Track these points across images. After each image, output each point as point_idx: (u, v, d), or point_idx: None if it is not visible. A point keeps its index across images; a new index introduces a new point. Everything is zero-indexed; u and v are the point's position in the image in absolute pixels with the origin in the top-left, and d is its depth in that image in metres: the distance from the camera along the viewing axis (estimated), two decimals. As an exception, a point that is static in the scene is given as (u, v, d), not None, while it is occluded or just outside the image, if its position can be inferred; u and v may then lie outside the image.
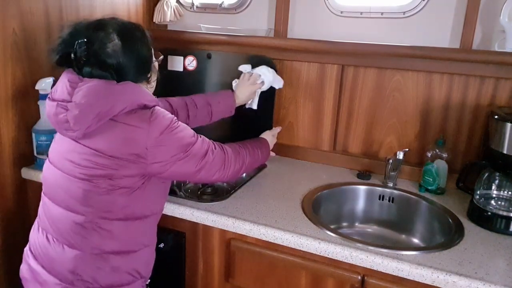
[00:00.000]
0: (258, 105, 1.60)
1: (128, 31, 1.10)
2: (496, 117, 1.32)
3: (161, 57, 1.22)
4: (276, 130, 1.59)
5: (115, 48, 1.05)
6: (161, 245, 1.36)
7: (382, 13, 1.65)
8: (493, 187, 1.36)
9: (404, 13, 1.61)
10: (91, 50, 1.04)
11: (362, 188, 1.57)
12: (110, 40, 1.05)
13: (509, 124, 1.27)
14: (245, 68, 1.58)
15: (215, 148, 1.19)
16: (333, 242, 1.16)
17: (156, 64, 1.19)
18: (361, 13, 1.68)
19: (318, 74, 1.71)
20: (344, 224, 1.56)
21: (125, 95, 1.04)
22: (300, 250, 1.19)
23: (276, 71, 1.61)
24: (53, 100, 1.06)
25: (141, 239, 1.15)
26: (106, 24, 1.08)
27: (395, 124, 1.65)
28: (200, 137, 1.16)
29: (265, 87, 1.58)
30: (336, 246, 1.15)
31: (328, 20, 1.74)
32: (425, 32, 1.60)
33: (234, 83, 1.59)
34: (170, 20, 1.98)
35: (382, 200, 1.55)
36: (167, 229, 1.38)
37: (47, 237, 1.12)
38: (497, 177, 1.35)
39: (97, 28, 1.06)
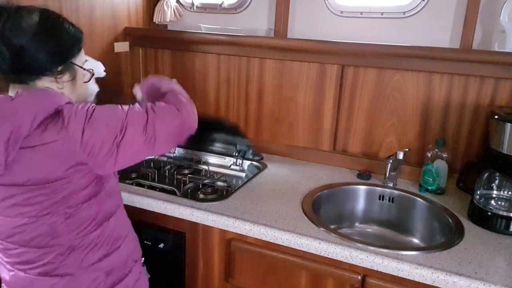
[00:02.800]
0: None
1: (54, 15, 1.02)
2: (496, 117, 1.32)
3: (91, 72, 1.10)
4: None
5: (31, 24, 0.95)
6: (161, 245, 1.37)
7: (382, 13, 1.65)
8: (493, 187, 1.36)
9: (404, 13, 1.61)
10: (1, 27, 0.92)
11: (362, 188, 1.57)
12: (28, 15, 0.95)
13: (509, 124, 1.27)
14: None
15: (153, 104, 1.05)
16: (333, 242, 1.16)
17: (82, 72, 1.07)
18: (361, 13, 1.68)
19: (318, 74, 1.71)
20: (344, 224, 1.56)
21: (29, 107, 0.91)
22: (300, 250, 1.19)
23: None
24: None
25: (119, 233, 1.11)
26: (28, 6, 0.98)
27: (395, 124, 1.65)
28: (131, 106, 1.03)
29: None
30: (336, 246, 1.15)
31: (328, 20, 1.74)
32: (425, 32, 1.60)
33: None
34: (170, 20, 1.98)
35: (382, 200, 1.55)
36: (167, 229, 1.38)
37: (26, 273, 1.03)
38: (497, 177, 1.35)
39: (16, 7, 0.96)
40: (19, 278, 1.04)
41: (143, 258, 1.22)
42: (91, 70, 1.10)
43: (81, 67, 1.07)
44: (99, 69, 1.42)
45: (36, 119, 0.91)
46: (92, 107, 0.97)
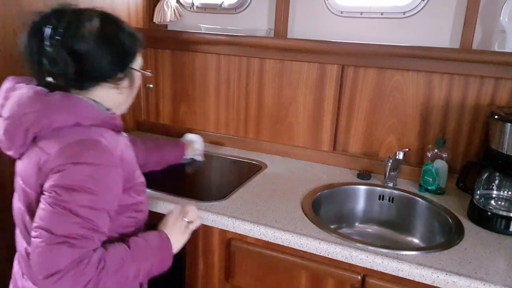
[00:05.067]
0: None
1: (112, 17, 1.01)
2: (496, 117, 1.32)
3: (149, 73, 1.12)
4: (193, 215, 1.17)
5: (92, 29, 0.94)
6: (161, 245, 1.36)
7: (382, 13, 1.65)
8: (493, 187, 1.36)
9: (404, 13, 1.61)
10: (58, 31, 0.91)
11: (362, 188, 1.57)
12: (88, 20, 0.94)
13: (509, 124, 1.27)
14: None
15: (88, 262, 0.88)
16: (333, 242, 1.16)
17: (139, 75, 1.07)
18: (361, 13, 1.68)
19: (318, 74, 1.71)
20: (344, 224, 1.56)
21: (56, 108, 0.92)
22: (300, 250, 1.19)
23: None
24: None
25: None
26: (86, 9, 0.98)
27: (395, 124, 1.65)
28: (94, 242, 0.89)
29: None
30: (336, 246, 1.15)
31: (328, 20, 1.74)
32: (425, 32, 1.60)
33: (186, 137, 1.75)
34: (170, 20, 1.98)
35: (382, 200, 1.55)
36: (167, 229, 1.38)
37: None
38: (497, 177, 1.35)
39: (74, 11, 0.96)
40: None
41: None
42: (146, 72, 1.10)
43: (139, 71, 1.06)
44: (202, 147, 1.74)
45: (53, 125, 0.92)
46: (90, 173, 0.89)
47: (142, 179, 1.12)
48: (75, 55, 0.92)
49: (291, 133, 1.82)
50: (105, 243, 0.95)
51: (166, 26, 2.08)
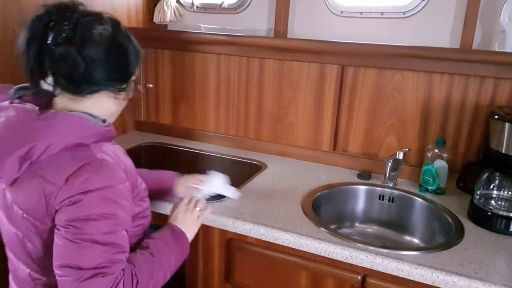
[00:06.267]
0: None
1: (123, 27, 0.98)
2: (496, 117, 1.32)
3: (141, 88, 1.09)
4: (201, 205, 1.20)
5: (105, 35, 0.90)
6: (161, 245, 1.36)
7: (382, 13, 1.65)
8: (493, 187, 1.36)
9: (404, 13, 1.61)
10: (65, 28, 0.86)
11: (362, 188, 1.57)
12: (100, 24, 0.91)
13: (509, 124, 1.27)
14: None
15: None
16: (333, 242, 1.16)
17: (133, 88, 1.04)
18: (361, 13, 1.68)
19: (318, 74, 1.71)
20: (344, 224, 1.56)
21: (53, 130, 0.86)
22: (300, 250, 1.19)
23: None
24: None
25: None
26: (97, 12, 0.94)
27: (395, 124, 1.65)
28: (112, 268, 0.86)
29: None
30: (336, 246, 1.15)
31: (328, 20, 1.74)
32: (425, 32, 1.60)
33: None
34: (170, 20, 1.98)
35: (382, 200, 1.55)
36: (167, 229, 1.38)
37: None
38: (497, 177, 1.35)
39: (84, 11, 0.91)
40: None
41: None
42: (139, 86, 1.07)
43: (137, 85, 1.05)
44: (225, 189, 1.37)
45: (52, 149, 0.86)
46: (103, 199, 0.86)
47: (143, 184, 1.10)
48: (84, 56, 0.88)
49: (291, 133, 1.82)
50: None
51: (166, 26, 2.08)
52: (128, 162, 1.03)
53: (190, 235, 1.14)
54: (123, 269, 0.89)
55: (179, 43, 1.92)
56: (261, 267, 1.28)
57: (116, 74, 0.95)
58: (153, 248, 1.01)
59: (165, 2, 1.95)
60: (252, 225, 1.24)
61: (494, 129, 1.33)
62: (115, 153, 0.97)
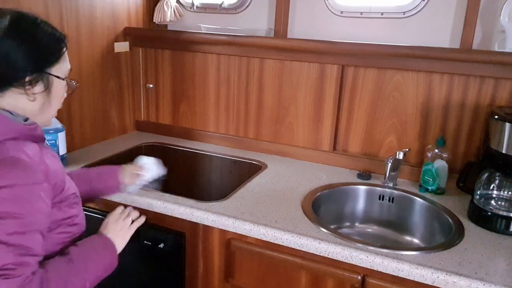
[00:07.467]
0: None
1: (27, 15, 0.92)
2: (496, 117, 1.32)
3: (74, 83, 1.01)
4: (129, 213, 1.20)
5: (1, 27, 0.86)
6: (161, 245, 1.36)
7: (382, 13, 1.65)
8: (493, 187, 1.36)
9: (404, 13, 1.61)
10: None
11: (362, 188, 1.57)
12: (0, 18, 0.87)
13: (509, 124, 1.27)
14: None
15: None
16: (333, 242, 1.16)
17: (62, 84, 0.97)
18: (361, 13, 1.68)
19: (318, 74, 1.71)
20: (344, 224, 1.56)
21: None
22: (300, 250, 1.19)
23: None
24: None
25: None
26: (3, 9, 0.90)
27: (395, 124, 1.65)
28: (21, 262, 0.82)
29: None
30: (336, 246, 1.15)
31: (328, 20, 1.74)
32: (425, 32, 1.60)
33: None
34: (170, 20, 1.98)
35: (382, 200, 1.55)
36: (167, 229, 1.38)
37: None
38: (497, 177, 1.35)
39: None
40: None
41: None
42: (73, 82, 1.00)
43: (60, 78, 0.96)
44: (159, 171, 1.39)
45: None
46: (12, 197, 0.83)
47: (73, 190, 1.05)
48: None
49: (291, 133, 1.82)
50: (43, 261, 0.90)
51: (166, 26, 2.08)
52: (54, 165, 0.97)
53: (120, 243, 1.10)
54: (33, 273, 0.84)
55: (179, 43, 1.92)
56: (261, 267, 1.28)
57: (20, 64, 0.89)
58: (73, 254, 0.97)
59: (165, 2, 1.95)
60: (252, 225, 1.24)
61: (494, 129, 1.33)
62: (38, 154, 0.93)
